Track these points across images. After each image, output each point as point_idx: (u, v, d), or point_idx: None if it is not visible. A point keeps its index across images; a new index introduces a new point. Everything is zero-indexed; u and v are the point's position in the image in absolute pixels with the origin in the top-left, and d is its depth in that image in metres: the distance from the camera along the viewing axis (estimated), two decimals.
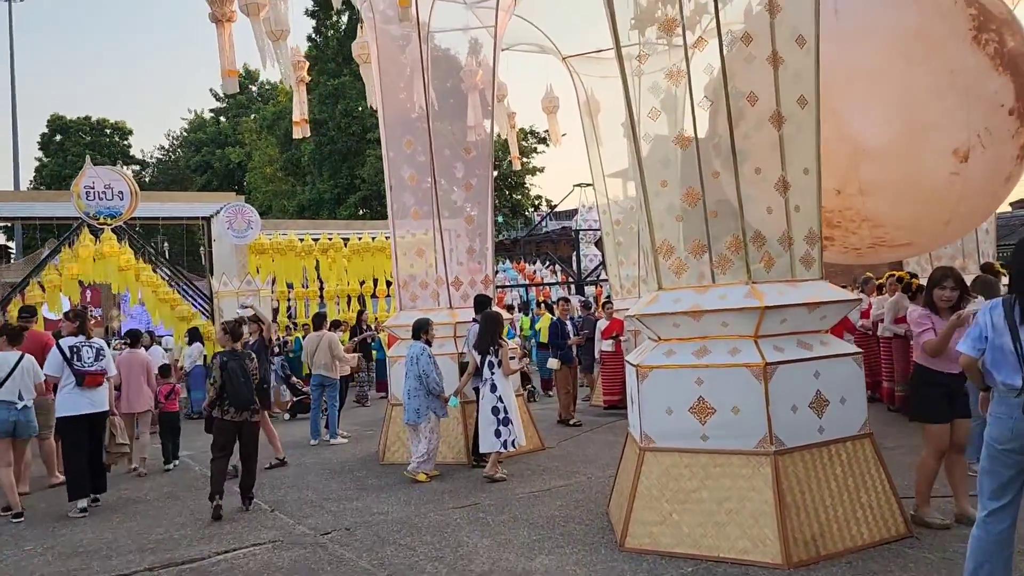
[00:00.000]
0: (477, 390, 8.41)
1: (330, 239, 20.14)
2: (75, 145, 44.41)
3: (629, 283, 13.30)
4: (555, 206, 41.60)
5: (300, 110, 11.18)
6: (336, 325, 13.65)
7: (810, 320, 5.52)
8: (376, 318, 19.73)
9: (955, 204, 7.06)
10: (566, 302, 13.44)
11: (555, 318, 12.79)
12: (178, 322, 16.77)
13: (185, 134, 52.55)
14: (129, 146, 49.90)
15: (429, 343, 8.55)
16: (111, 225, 15.80)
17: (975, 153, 6.64)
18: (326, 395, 11.46)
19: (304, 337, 13.67)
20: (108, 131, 48.74)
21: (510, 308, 21.83)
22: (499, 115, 11.70)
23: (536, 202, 45.36)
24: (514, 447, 8.11)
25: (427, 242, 9.76)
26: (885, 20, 6.89)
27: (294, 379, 13.86)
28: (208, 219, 18.20)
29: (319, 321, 11.87)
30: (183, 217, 18.62)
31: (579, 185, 28.20)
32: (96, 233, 16.15)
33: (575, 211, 34.35)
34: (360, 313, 17.89)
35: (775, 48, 5.48)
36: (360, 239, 20.51)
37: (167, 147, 54.10)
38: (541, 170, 45.60)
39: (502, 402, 7.97)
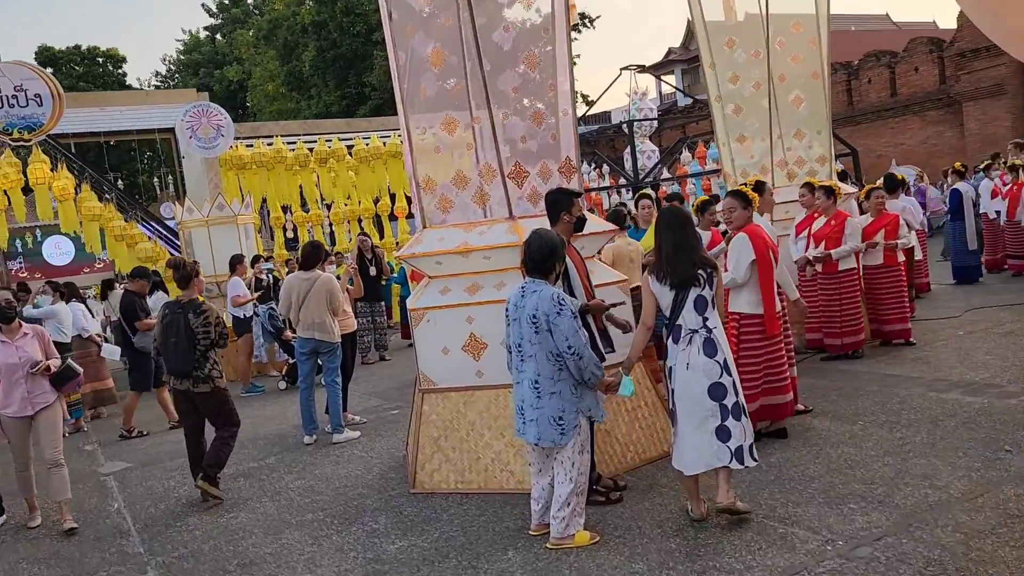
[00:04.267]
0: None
1: (329, 145, 15.79)
2: (67, 77, 40.72)
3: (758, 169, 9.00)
4: (597, 97, 36.84)
5: None
6: (326, 258, 9.10)
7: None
8: (397, 244, 15.58)
9: None
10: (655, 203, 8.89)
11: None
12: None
13: (181, 56, 49.51)
14: (124, 75, 47.34)
15: (558, 278, 4.44)
16: (30, 141, 11.60)
17: None
18: (323, 367, 7.48)
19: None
20: (100, 60, 45.59)
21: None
22: None
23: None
24: (751, 461, 4.37)
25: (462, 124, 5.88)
26: None
27: (288, 333, 9.63)
28: (174, 131, 14.01)
29: (313, 255, 7.62)
30: (136, 131, 14.41)
31: (628, 68, 23.25)
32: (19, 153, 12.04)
33: (606, 113, 29.58)
34: (361, 237, 12.94)
35: None
36: (368, 143, 16.15)
37: (164, 73, 50.55)
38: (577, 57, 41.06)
39: (728, 374, 4.27)
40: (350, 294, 8.30)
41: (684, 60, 52.51)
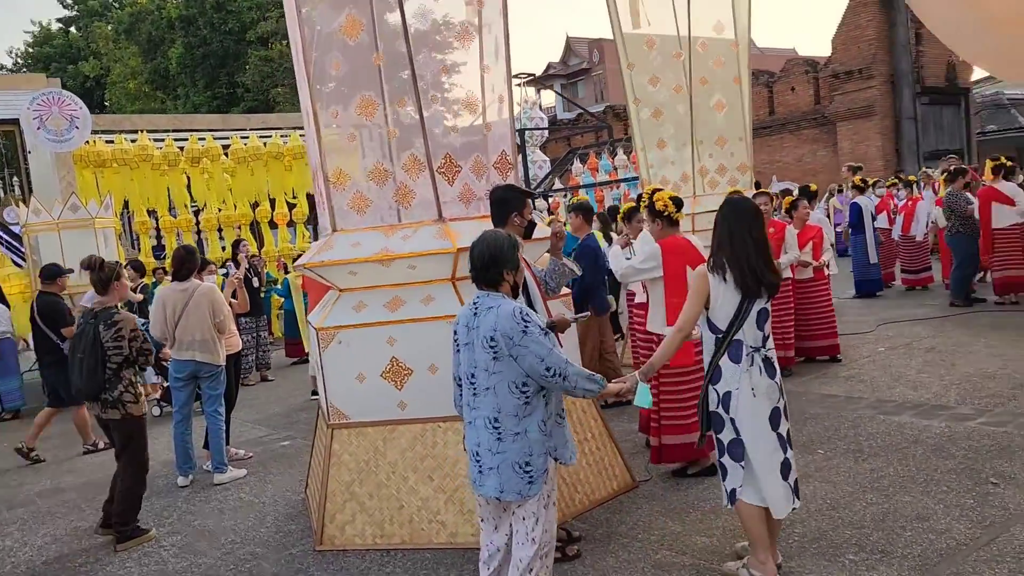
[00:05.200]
0: None
1: (202, 144, 14.33)
2: None
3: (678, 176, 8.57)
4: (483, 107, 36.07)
5: None
6: (204, 267, 7.93)
7: None
8: (278, 253, 14.41)
9: None
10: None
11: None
12: None
13: (30, 49, 45.66)
14: None
15: (516, 290, 3.49)
16: None
17: None
18: (203, 394, 6.44)
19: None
20: None
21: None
22: None
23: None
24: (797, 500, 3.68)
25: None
26: None
27: (167, 351, 8.16)
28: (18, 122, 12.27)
29: (188, 262, 6.44)
30: None
31: (517, 76, 22.81)
32: None
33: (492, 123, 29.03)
34: (238, 244, 11.09)
35: None
36: (246, 143, 14.80)
37: (11, 67, 46.44)
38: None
39: (783, 396, 3.64)
40: (234, 309, 7.19)
41: (563, 75, 53.09)
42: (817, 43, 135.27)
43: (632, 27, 8.76)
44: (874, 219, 12.01)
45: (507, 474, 3.26)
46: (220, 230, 15.16)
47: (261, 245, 15.25)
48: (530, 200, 4.12)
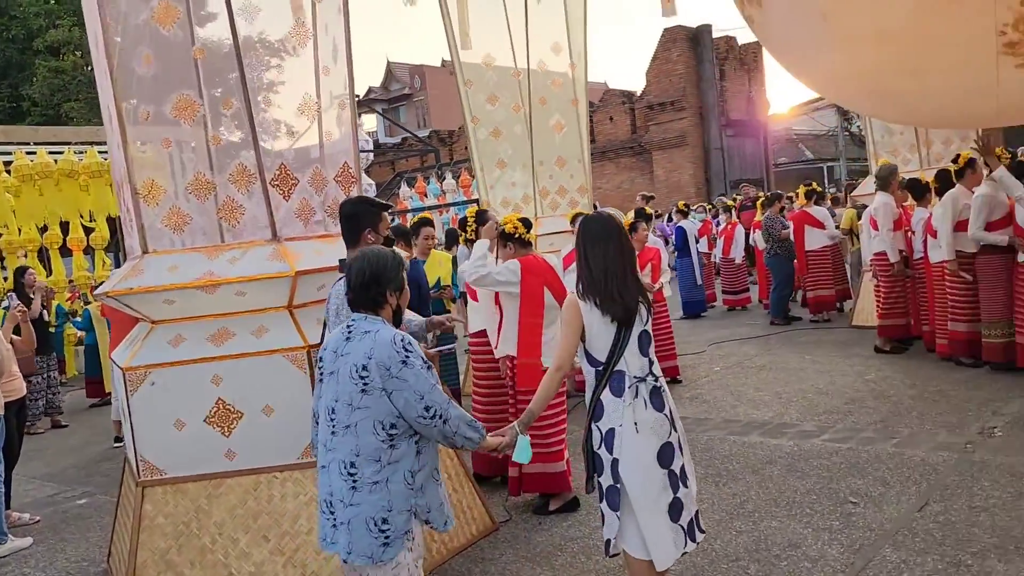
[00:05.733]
0: None
1: None
2: None
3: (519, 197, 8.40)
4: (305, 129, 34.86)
5: None
6: None
7: None
8: (71, 283, 12.89)
9: None
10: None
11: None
12: None
13: None
14: None
15: (399, 315, 3.04)
16: None
17: None
18: None
19: None
20: None
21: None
22: None
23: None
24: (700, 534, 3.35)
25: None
26: None
27: None
28: None
29: None
30: None
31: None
32: None
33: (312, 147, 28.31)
34: (22, 272, 9.18)
35: None
36: (33, 159, 13.16)
37: None
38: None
39: (675, 428, 3.24)
40: (16, 347, 6.11)
41: (385, 100, 52.59)
42: (627, 77, 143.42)
43: (462, 47, 8.51)
44: (697, 242, 12.46)
45: (359, 531, 2.74)
46: (2, 257, 13.37)
47: (50, 274, 13.59)
48: (385, 214, 3.65)
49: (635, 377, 3.10)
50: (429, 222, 6.77)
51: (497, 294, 5.09)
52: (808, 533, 4.07)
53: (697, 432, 6.03)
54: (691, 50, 25.74)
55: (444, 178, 21.00)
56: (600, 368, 3.13)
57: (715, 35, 26.26)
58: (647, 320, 3.18)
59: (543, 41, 8.38)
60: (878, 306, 8.31)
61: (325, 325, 3.72)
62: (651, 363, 3.17)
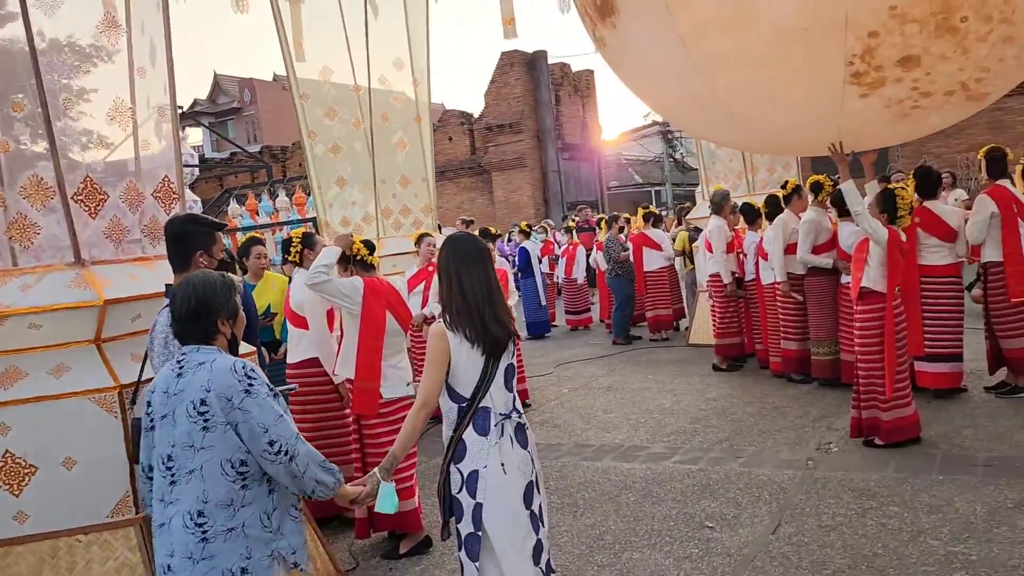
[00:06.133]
0: None
1: None
2: None
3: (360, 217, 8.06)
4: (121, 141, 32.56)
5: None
6: None
7: None
8: None
9: None
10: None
11: None
12: None
13: None
14: None
15: (235, 345, 2.68)
16: None
17: None
18: None
19: None
20: None
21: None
22: None
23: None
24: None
25: None
26: None
27: None
28: None
29: None
30: None
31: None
32: None
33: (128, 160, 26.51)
34: None
35: None
36: None
37: None
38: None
39: (533, 465, 3.01)
40: None
41: (212, 113, 50.09)
42: (462, 98, 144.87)
43: (296, 59, 8.06)
44: (540, 262, 12.50)
45: None
46: None
47: None
48: (220, 234, 3.21)
49: (500, 414, 2.86)
50: (259, 241, 6.26)
51: (338, 317, 4.75)
52: (670, 564, 3.97)
53: (551, 458, 5.88)
54: (528, 74, 26.19)
55: (277, 195, 20.02)
56: (464, 404, 2.86)
57: (551, 61, 26.87)
58: (513, 352, 2.95)
59: (384, 56, 8.08)
60: (714, 325, 8.58)
61: (146, 357, 3.24)
62: (514, 398, 2.94)
